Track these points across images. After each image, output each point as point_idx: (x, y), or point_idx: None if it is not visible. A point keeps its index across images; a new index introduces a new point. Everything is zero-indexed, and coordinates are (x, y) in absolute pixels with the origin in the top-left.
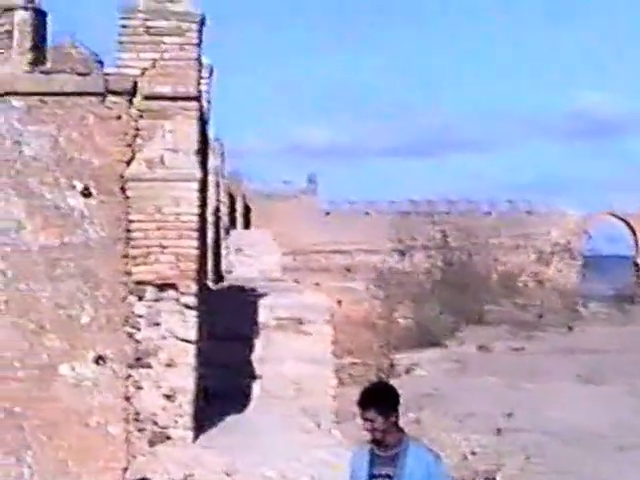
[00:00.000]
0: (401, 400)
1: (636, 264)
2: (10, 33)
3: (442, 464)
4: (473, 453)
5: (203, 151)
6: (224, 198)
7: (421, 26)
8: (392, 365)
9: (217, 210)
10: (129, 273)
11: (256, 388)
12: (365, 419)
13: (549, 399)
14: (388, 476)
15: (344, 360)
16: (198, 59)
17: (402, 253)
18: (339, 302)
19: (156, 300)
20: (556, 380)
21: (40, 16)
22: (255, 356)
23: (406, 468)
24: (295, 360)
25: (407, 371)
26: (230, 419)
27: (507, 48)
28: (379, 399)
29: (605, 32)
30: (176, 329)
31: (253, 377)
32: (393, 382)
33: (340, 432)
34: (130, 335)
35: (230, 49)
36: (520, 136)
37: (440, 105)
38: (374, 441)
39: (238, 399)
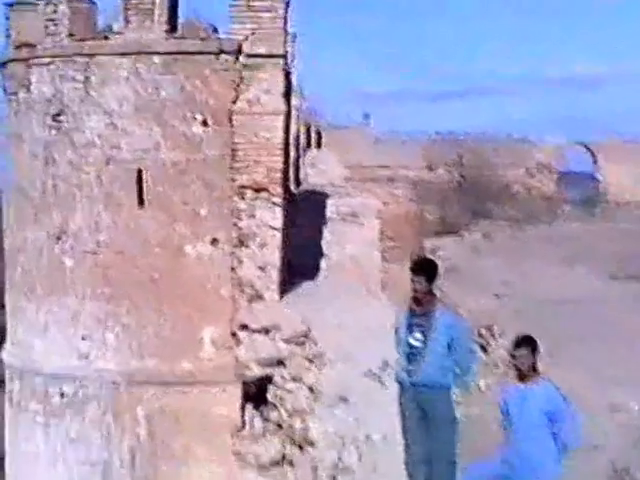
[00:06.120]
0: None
1: (594, 178)
2: (152, 10)
3: (463, 322)
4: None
5: (287, 94)
6: (302, 127)
7: None
8: (422, 248)
9: (297, 135)
10: (234, 180)
11: (324, 263)
12: (413, 281)
13: (539, 275)
14: (421, 325)
15: (387, 243)
16: (284, 28)
17: (430, 169)
18: (384, 203)
19: (254, 199)
20: (544, 261)
21: None
22: (324, 240)
23: (434, 321)
24: (352, 243)
25: (432, 252)
26: (306, 286)
27: None
28: (426, 268)
29: None
30: (267, 220)
31: (322, 255)
32: None
33: (385, 295)
34: (235, 224)
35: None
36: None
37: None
38: (415, 299)
39: (312, 272)
